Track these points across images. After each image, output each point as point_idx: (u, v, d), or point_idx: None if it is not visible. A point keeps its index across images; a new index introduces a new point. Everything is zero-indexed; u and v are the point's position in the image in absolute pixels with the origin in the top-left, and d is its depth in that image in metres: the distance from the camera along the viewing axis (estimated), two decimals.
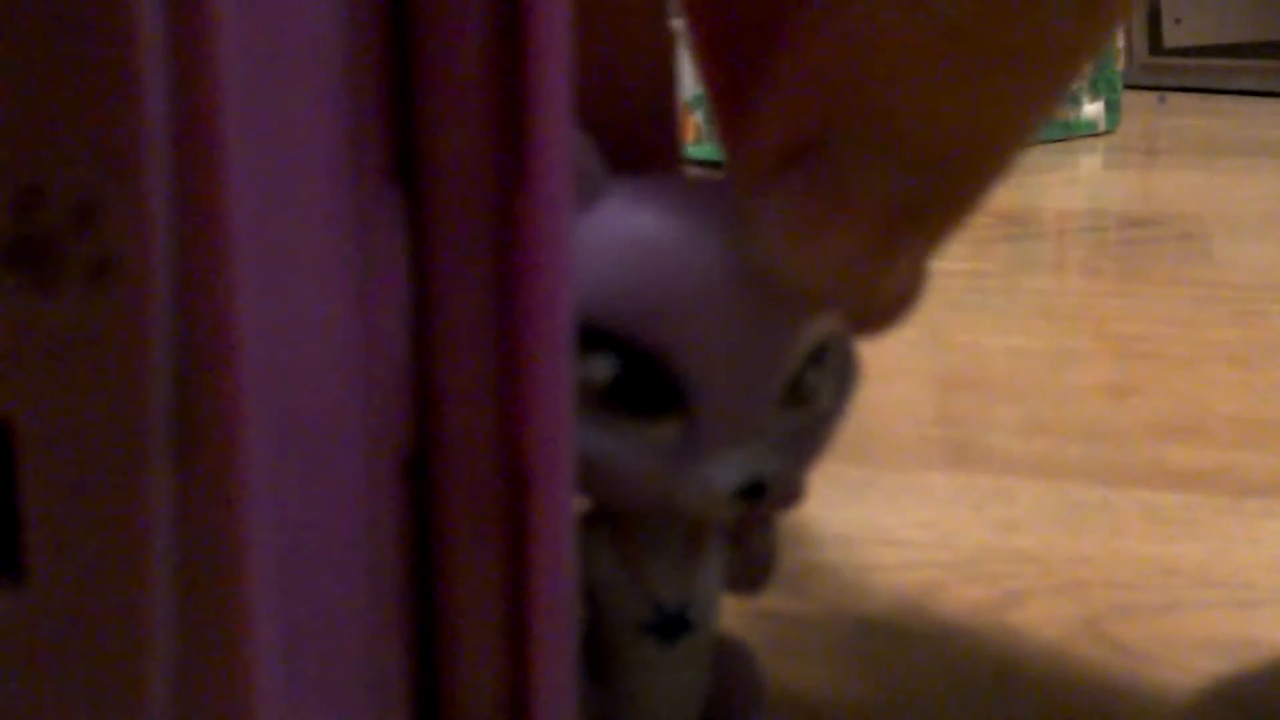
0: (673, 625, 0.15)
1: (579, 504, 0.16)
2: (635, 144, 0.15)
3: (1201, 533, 0.25)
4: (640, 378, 0.13)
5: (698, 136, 0.66)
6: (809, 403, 0.14)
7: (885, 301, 0.13)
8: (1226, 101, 0.81)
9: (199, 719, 0.10)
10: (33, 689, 0.10)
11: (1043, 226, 0.51)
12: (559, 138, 0.10)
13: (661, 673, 0.16)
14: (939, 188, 0.12)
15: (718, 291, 0.13)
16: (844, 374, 0.15)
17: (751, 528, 0.16)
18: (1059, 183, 0.61)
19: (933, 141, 0.11)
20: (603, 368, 0.13)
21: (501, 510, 0.11)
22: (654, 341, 0.13)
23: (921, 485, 0.27)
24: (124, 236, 0.09)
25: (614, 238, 0.13)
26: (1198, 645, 0.21)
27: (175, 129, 0.08)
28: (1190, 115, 0.81)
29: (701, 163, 0.61)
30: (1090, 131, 0.73)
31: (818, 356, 0.14)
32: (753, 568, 0.17)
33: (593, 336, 0.13)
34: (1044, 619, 0.22)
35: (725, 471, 0.13)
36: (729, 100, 0.15)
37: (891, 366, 0.34)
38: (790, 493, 0.15)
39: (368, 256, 0.10)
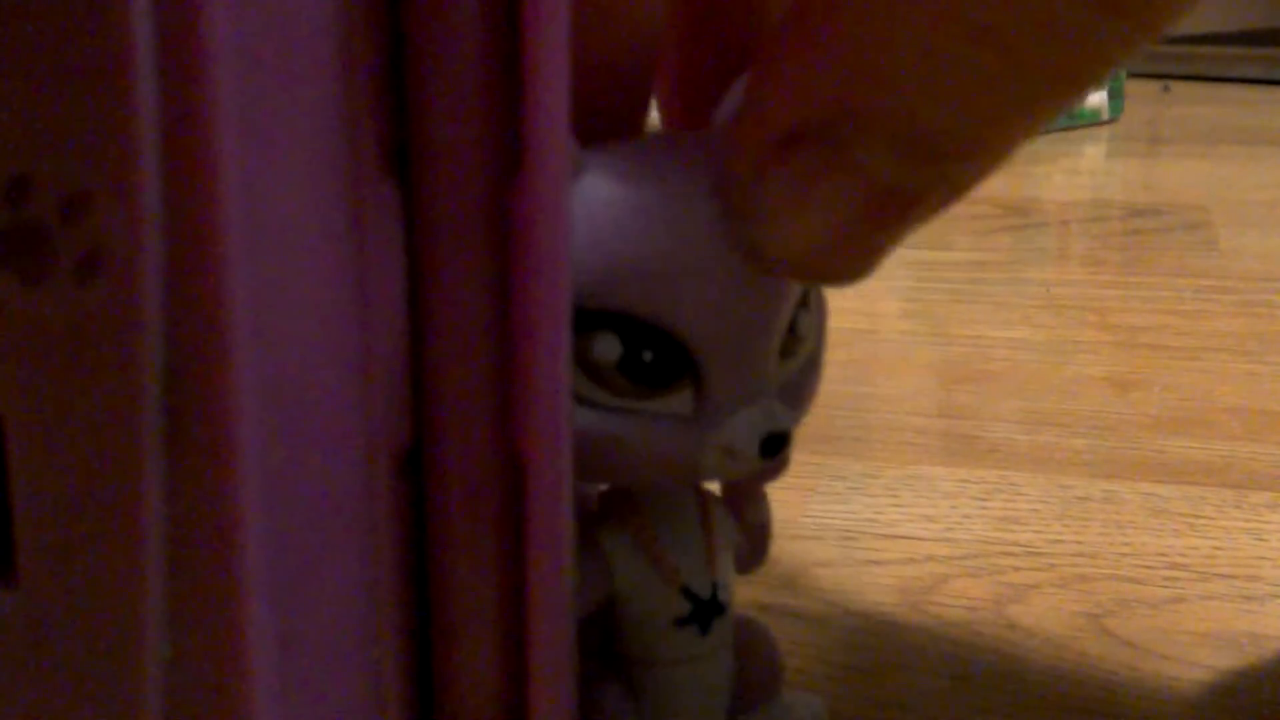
0: (708, 610, 0.15)
1: (589, 503, 0.16)
2: (605, 109, 0.15)
3: (1206, 526, 0.25)
4: (648, 352, 0.13)
5: None
6: (799, 349, 0.14)
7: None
8: (1231, 90, 0.81)
9: (195, 718, 0.10)
10: (27, 687, 0.10)
11: (1045, 217, 0.51)
12: (557, 129, 0.10)
13: (701, 662, 0.16)
14: (937, 174, 0.12)
15: (714, 259, 0.13)
16: (821, 312, 0.15)
17: (746, 499, 0.17)
18: (1062, 172, 0.61)
19: (938, 132, 0.11)
20: (609, 346, 0.13)
21: (499, 505, 0.11)
22: (659, 315, 0.13)
23: (924, 479, 0.27)
24: (114, 229, 0.08)
25: (605, 214, 0.13)
26: (1202, 639, 0.21)
27: (166, 121, 0.08)
28: (1194, 104, 0.81)
29: None
30: (1093, 120, 0.73)
31: (804, 302, 0.14)
32: (754, 538, 0.17)
33: (593, 316, 0.13)
34: (1047, 613, 0.22)
35: (745, 431, 0.14)
36: (691, 73, 0.16)
37: (893, 359, 0.34)
38: (797, 422, 0.15)
39: (364, 249, 0.10)
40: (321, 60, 0.09)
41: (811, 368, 0.15)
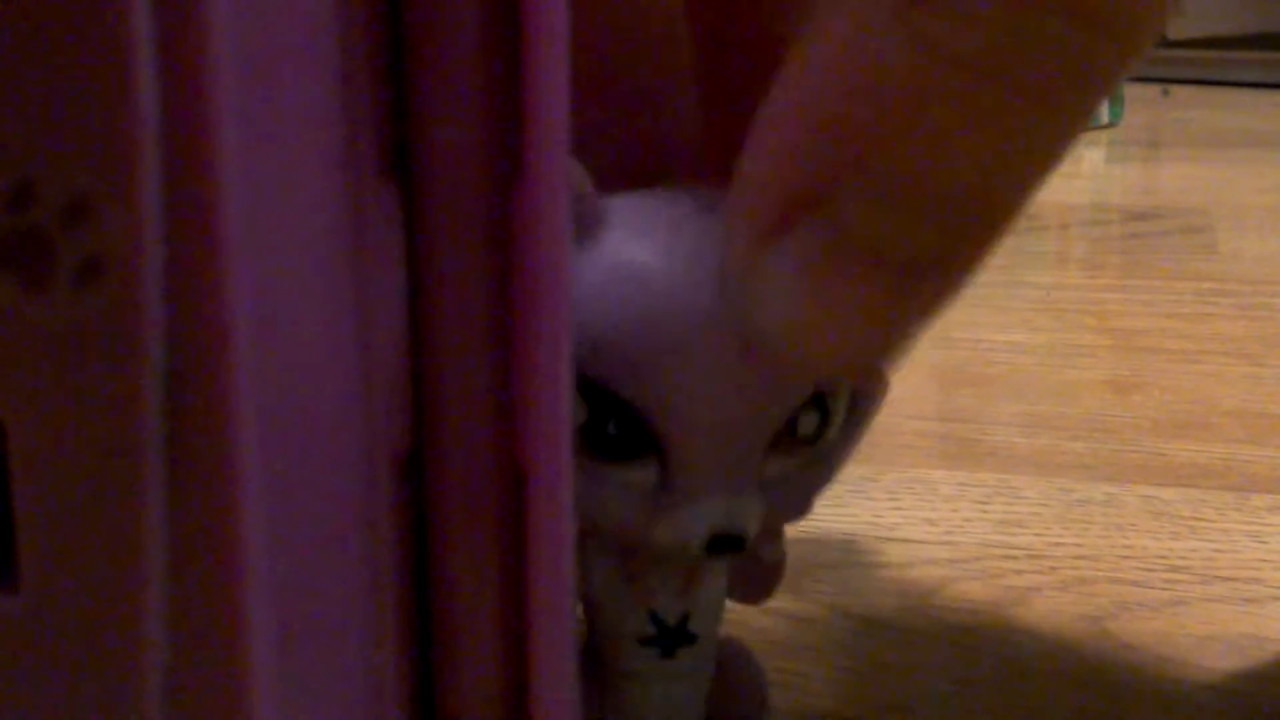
0: (673, 638, 0.15)
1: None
2: (651, 148, 0.14)
3: (1206, 529, 0.25)
4: (614, 424, 0.13)
5: None
6: (811, 441, 0.14)
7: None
8: (1230, 94, 0.81)
9: None
10: (28, 691, 0.10)
11: (1045, 220, 0.51)
12: (557, 132, 0.10)
13: (659, 683, 0.15)
14: (948, 236, 0.11)
15: (701, 346, 0.12)
16: (856, 392, 0.15)
17: (762, 539, 0.16)
18: (1061, 176, 0.61)
19: (941, 184, 0.10)
20: (575, 412, 0.12)
21: (500, 508, 0.11)
22: (631, 393, 0.13)
23: (924, 482, 0.27)
24: (116, 235, 0.08)
25: (601, 283, 0.12)
26: (1203, 642, 0.21)
27: (167, 126, 0.08)
28: (1194, 107, 0.81)
29: None
30: (1093, 124, 0.73)
31: (815, 400, 0.14)
32: (764, 578, 0.16)
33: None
34: (1048, 616, 0.22)
35: (695, 523, 0.13)
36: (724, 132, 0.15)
37: None
38: (799, 512, 0.15)
39: (364, 253, 0.10)
40: (322, 62, 0.10)
41: (820, 463, 0.14)
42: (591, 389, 0.13)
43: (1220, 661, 0.21)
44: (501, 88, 0.10)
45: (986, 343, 0.35)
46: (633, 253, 0.12)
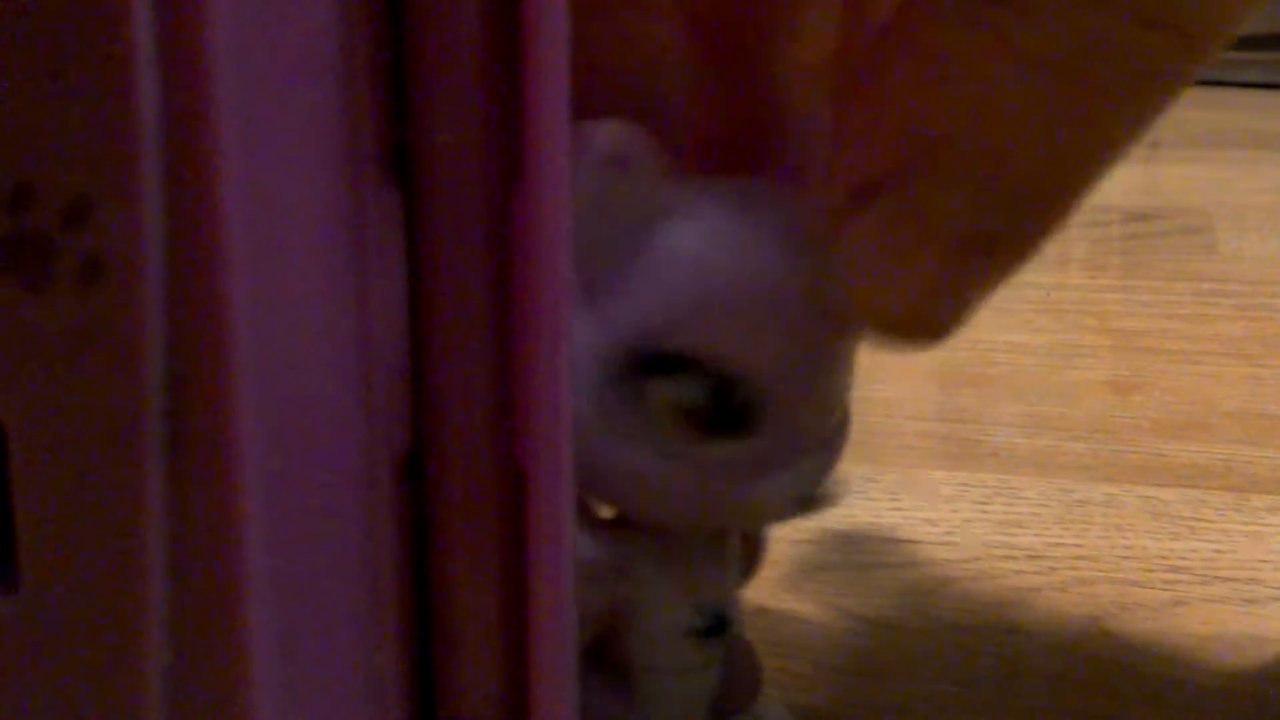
0: (720, 625, 0.15)
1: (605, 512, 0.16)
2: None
3: (1206, 529, 0.25)
4: (726, 400, 0.13)
5: None
6: (838, 408, 0.15)
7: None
8: (1231, 94, 0.81)
9: None
10: (28, 693, 0.10)
11: None
12: (557, 134, 0.10)
13: (697, 674, 0.16)
14: (1014, 218, 0.12)
15: (801, 320, 0.13)
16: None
17: None
18: None
19: (1010, 172, 0.11)
20: (694, 391, 0.13)
21: (500, 508, 0.11)
22: (743, 366, 0.13)
23: (924, 482, 0.27)
24: (116, 236, 0.08)
25: (702, 263, 0.13)
26: (1203, 642, 0.21)
27: (168, 127, 0.08)
28: (1194, 107, 0.81)
29: None
30: None
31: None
32: (750, 559, 0.17)
33: (668, 361, 0.13)
34: (1048, 616, 0.22)
35: (800, 484, 0.14)
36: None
37: (893, 363, 0.34)
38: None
39: (364, 254, 0.10)
40: (322, 62, 0.10)
41: (845, 425, 0.15)
42: (698, 367, 0.13)
43: (1220, 662, 0.21)
44: (501, 88, 0.10)
45: (987, 343, 0.35)
46: (726, 239, 0.13)
